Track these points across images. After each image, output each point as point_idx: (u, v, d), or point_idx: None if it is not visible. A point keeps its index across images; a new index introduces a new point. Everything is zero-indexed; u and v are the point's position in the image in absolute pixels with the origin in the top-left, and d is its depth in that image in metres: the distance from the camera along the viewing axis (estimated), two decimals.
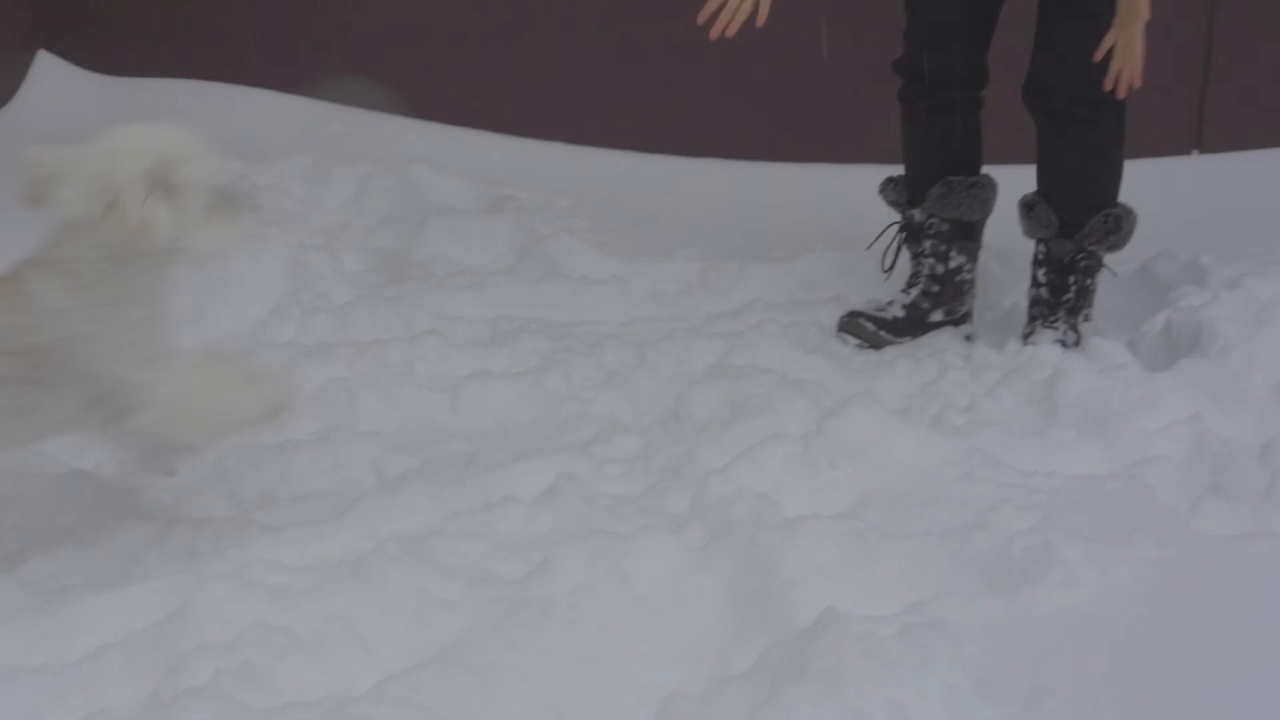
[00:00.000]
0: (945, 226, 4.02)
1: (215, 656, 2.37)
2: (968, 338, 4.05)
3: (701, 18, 3.59)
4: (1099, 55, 3.59)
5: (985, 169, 4.09)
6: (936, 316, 3.99)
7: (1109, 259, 4.05)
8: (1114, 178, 3.98)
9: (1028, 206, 4.00)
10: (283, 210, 4.74)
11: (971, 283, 4.10)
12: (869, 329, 4.01)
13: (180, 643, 2.43)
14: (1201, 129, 5.40)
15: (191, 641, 2.42)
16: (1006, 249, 4.30)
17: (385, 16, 5.66)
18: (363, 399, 3.46)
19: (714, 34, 3.55)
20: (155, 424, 2.72)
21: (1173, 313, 3.87)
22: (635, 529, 2.78)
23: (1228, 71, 5.37)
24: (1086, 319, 4.00)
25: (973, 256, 4.09)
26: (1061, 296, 3.98)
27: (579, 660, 2.46)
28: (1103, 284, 4.05)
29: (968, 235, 4.08)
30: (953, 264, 4.03)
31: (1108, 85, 3.60)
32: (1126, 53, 3.56)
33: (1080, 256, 3.96)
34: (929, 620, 2.42)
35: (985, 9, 3.97)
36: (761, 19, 3.62)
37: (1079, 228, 3.94)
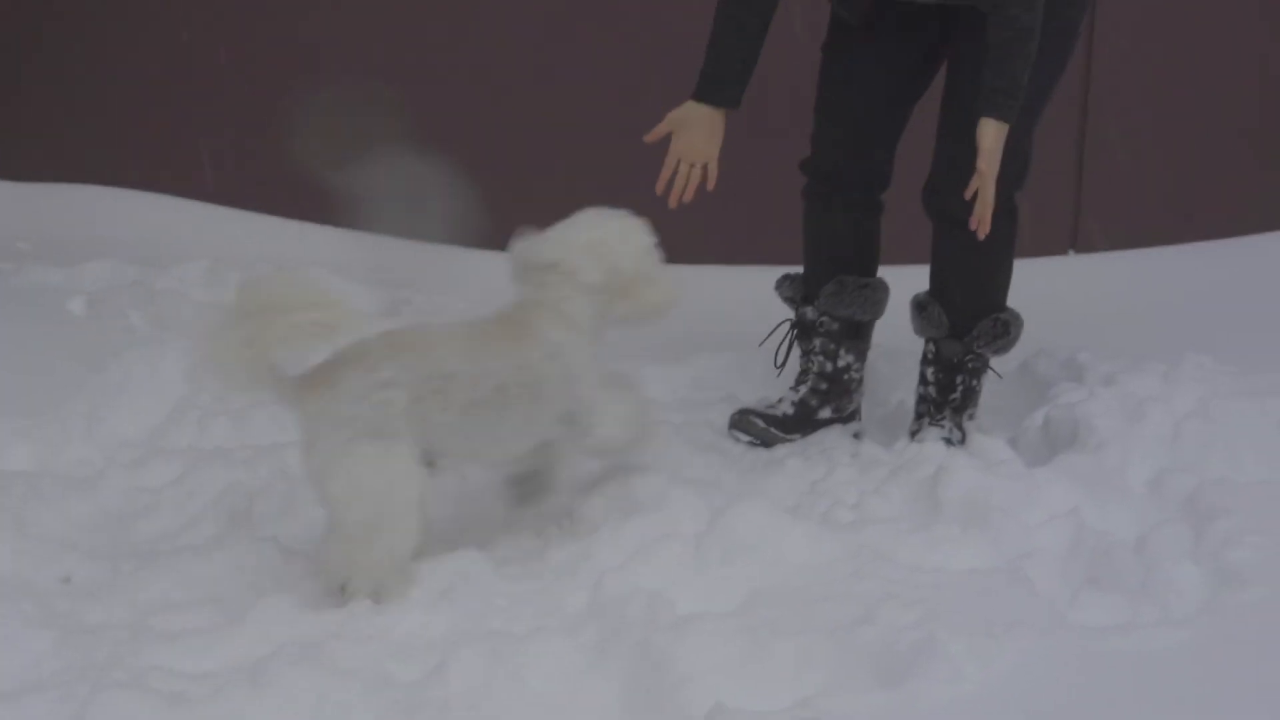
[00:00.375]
0: (836, 325, 4.08)
1: None
2: (856, 435, 4.10)
3: (659, 189, 3.80)
4: (967, 194, 3.70)
5: (882, 269, 4.16)
6: (825, 414, 4.05)
7: (995, 361, 4.12)
8: (1003, 282, 4.05)
9: (919, 306, 4.07)
10: (180, 313, 4.70)
11: (859, 381, 4.16)
12: (759, 426, 4.06)
13: None
14: (1077, 229, 5.53)
15: None
16: (894, 347, 4.37)
17: (280, 122, 5.68)
18: (260, 503, 3.44)
19: (672, 202, 3.78)
20: (608, 435, 3.38)
21: (1051, 409, 3.94)
22: (531, 629, 2.79)
23: (1100, 174, 5.52)
24: (971, 417, 4.06)
25: (861, 356, 4.15)
26: (949, 396, 4.05)
27: None
28: (986, 382, 4.12)
29: (858, 335, 4.14)
30: (841, 362, 4.09)
31: (971, 226, 3.70)
32: (983, 199, 3.67)
33: (968, 358, 4.03)
34: (817, 714, 2.44)
35: (896, 116, 4.05)
36: (711, 183, 3.81)
37: (968, 330, 4.01)
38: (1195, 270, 5.39)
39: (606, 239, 3.32)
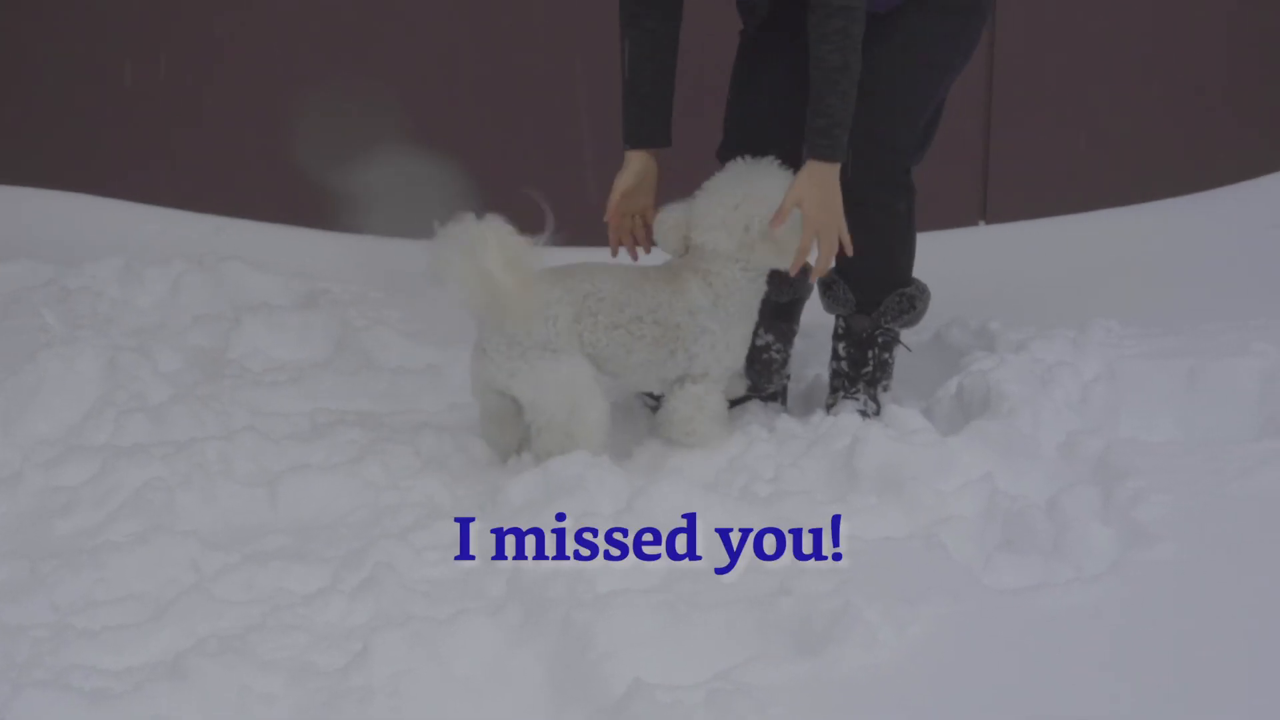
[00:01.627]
0: None
1: None
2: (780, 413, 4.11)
3: (613, 254, 3.93)
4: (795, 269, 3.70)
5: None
6: (740, 390, 4.05)
7: (905, 335, 4.14)
8: (907, 258, 4.05)
9: (826, 285, 4.07)
10: (95, 312, 4.67)
11: (783, 363, 4.15)
12: None
13: None
14: (986, 201, 5.56)
15: None
16: (809, 324, 4.37)
17: (197, 119, 5.64)
18: (180, 498, 3.40)
19: (632, 256, 3.94)
20: (703, 394, 3.73)
21: (964, 377, 3.95)
22: (453, 613, 2.78)
23: (1007, 146, 5.56)
24: (885, 389, 4.07)
25: (782, 337, 4.13)
26: (861, 370, 4.06)
27: None
28: (899, 353, 4.14)
29: (778, 316, 4.13)
30: (759, 341, 4.08)
31: (793, 272, 3.71)
32: (822, 252, 3.67)
33: (877, 333, 4.04)
34: (736, 686, 2.45)
35: (799, 109, 3.95)
36: (647, 245, 3.93)
37: (875, 305, 4.02)
38: (1101, 238, 5.45)
39: (747, 200, 3.68)
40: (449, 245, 3.46)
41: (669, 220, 3.76)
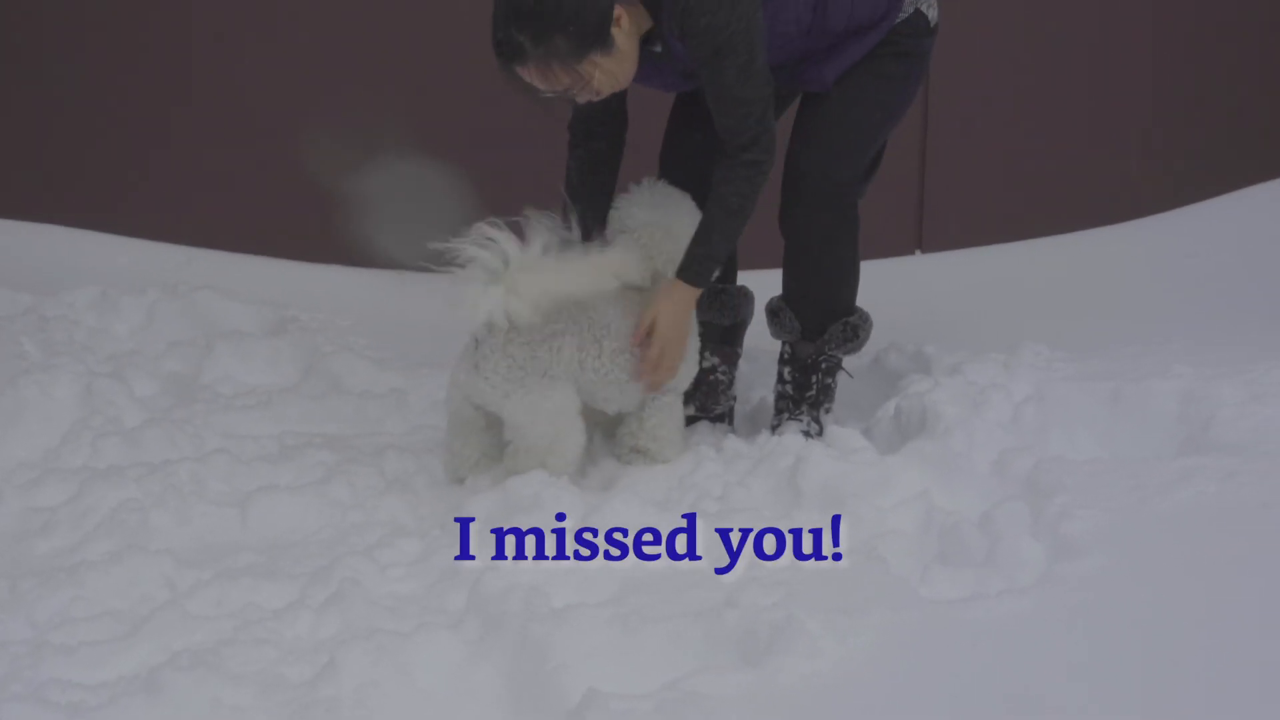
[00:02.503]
0: (699, 329, 4.09)
1: None
2: (727, 433, 4.11)
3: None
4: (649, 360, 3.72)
5: (756, 274, 4.17)
6: (688, 410, 4.05)
7: (847, 361, 4.15)
8: (850, 288, 4.06)
9: (773, 312, 4.08)
10: (72, 339, 4.64)
11: (728, 384, 4.16)
12: None
13: None
14: (922, 231, 5.59)
15: None
16: (756, 348, 4.39)
17: (167, 155, 5.62)
18: (154, 518, 3.39)
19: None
20: (672, 403, 3.80)
21: (902, 399, 3.97)
22: (416, 626, 2.77)
23: (941, 178, 5.59)
24: (828, 411, 4.09)
25: (727, 359, 4.14)
26: (805, 393, 4.07)
27: None
28: (841, 378, 4.15)
29: (723, 340, 4.14)
30: (705, 364, 4.08)
31: (645, 390, 3.76)
32: (665, 364, 3.72)
33: (821, 359, 4.05)
34: (685, 695, 2.45)
35: None
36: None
37: (820, 333, 4.03)
38: (1031, 265, 5.48)
39: (684, 237, 3.71)
40: (474, 273, 3.44)
41: (633, 257, 3.70)
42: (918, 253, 5.58)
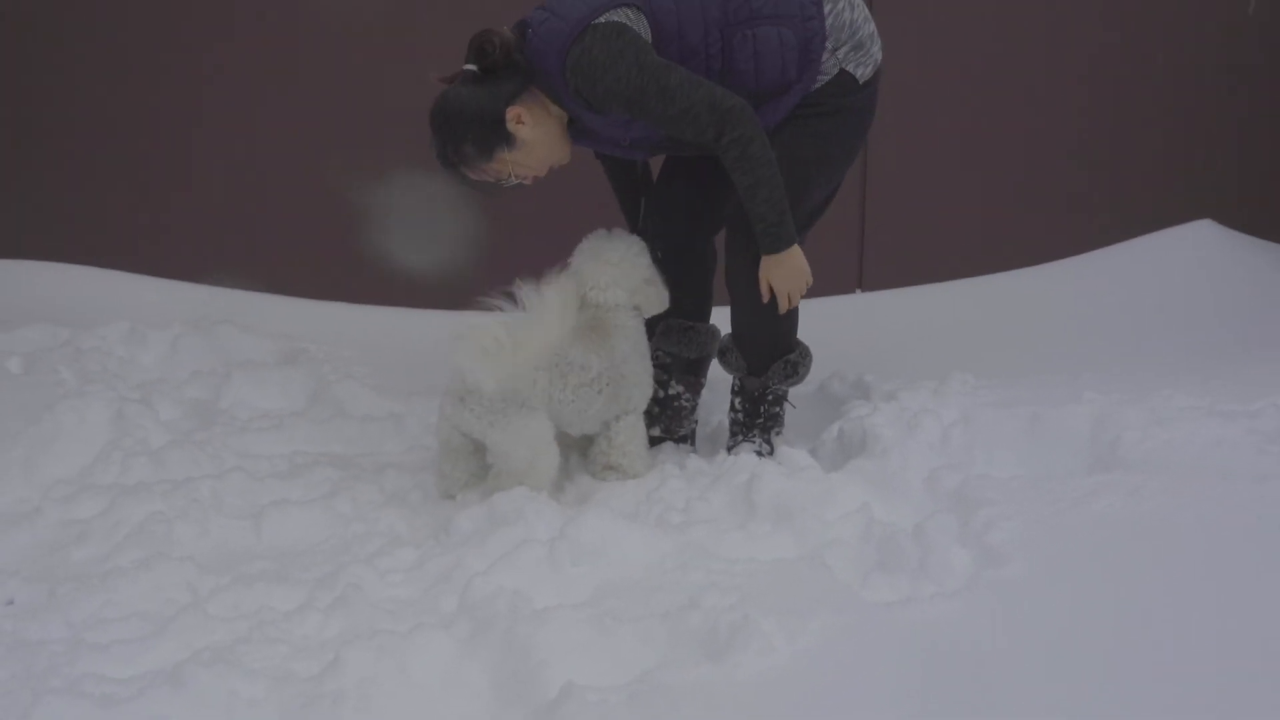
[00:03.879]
0: (668, 359, 4.10)
1: None
2: (690, 453, 4.12)
3: None
4: (783, 310, 3.82)
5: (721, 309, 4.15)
6: (654, 431, 4.05)
7: (793, 391, 4.15)
8: (790, 330, 4.04)
9: (722, 351, 4.08)
10: (105, 369, 4.63)
11: (691, 410, 4.16)
12: None
13: None
14: (862, 271, 5.61)
15: None
16: (717, 377, 4.40)
17: (191, 203, 5.62)
18: (178, 529, 3.39)
19: None
20: (635, 422, 3.84)
21: (844, 422, 3.98)
22: (412, 627, 2.77)
23: (880, 224, 5.60)
24: (778, 434, 4.09)
25: (692, 388, 4.15)
26: (755, 420, 4.08)
27: None
28: (788, 409, 4.15)
29: (689, 370, 4.15)
30: (671, 391, 4.09)
31: (783, 308, 3.80)
32: (791, 303, 3.78)
33: (767, 392, 4.06)
34: (653, 687, 2.45)
35: (713, 209, 4.03)
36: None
37: (764, 369, 4.02)
38: (960, 303, 5.49)
39: (622, 260, 3.81)
40: (466, 346, 3.44)
41: (564, 291, 3.66)
42: (858, 291, 5.60)
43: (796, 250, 3.72)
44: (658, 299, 3.88)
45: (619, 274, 3.81)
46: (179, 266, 5.58)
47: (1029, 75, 5.61)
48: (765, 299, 3.78)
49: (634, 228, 4.08)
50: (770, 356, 4.02)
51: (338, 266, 5.55)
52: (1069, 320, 5.29)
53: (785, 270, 3.73)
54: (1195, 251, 5.57)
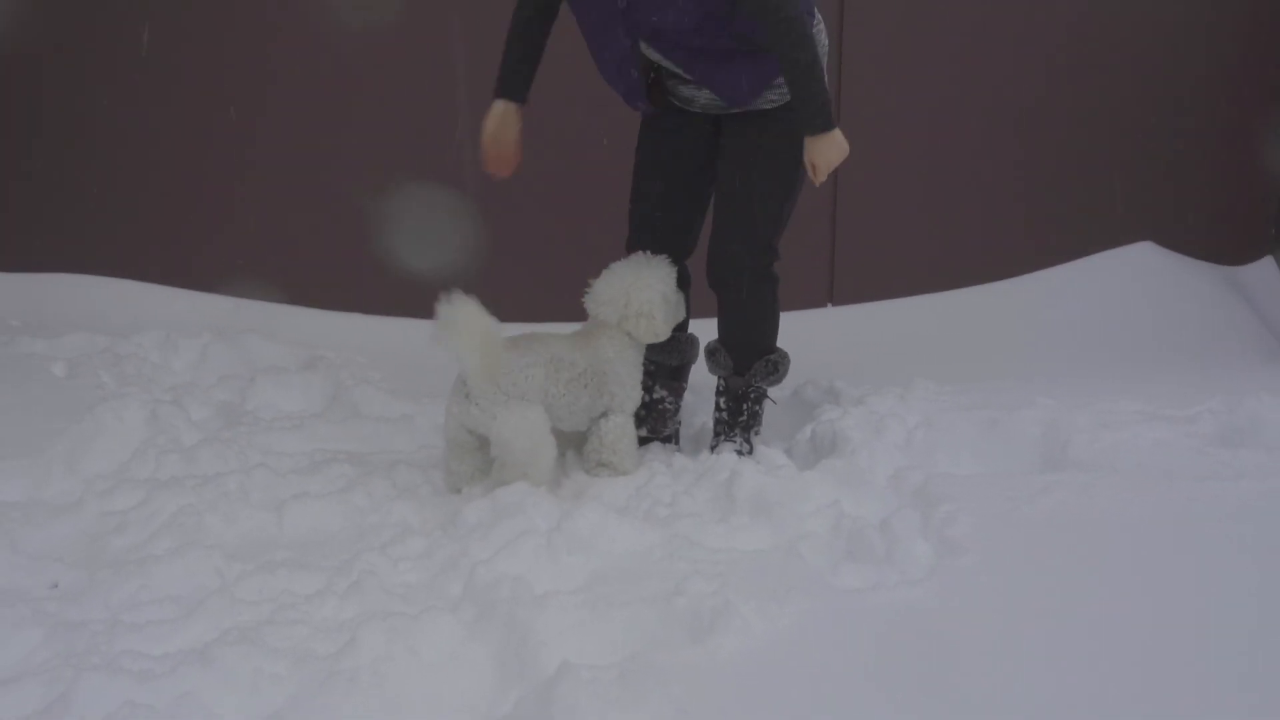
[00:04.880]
0: (652, 367, 4.10)
1: None
2: (675, 452, 4.12)
3: (486, 168, 3.92)
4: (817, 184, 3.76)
5: (701, 321, 4.15)
6: (642, 432, 4.05)
7: (774, 390, 4.16)
8: (772, 332, 4.06)
9: (710, 352, 4.09)
10: (140, 373, 4.63)
11: (674, 412, 4.16)
12: None
13: None
14: (833, 287, 5.61)
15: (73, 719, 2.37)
16: (699, 382, 4.41)
17: (220, 222, 5.62)
18: (207, 520, 3.39)
19: (490, 169, 3.91)
20: (624, 423, 3.81)
21: (816, 425, 3.99)
22: (422, 610, 2.78)
23: (850, 244, 5.61)
24: (757, 433, 4.10)
25: (675, 392, 4.15)
26: (737, 419, 4.08)
27: (381, 716, 2.44)
28: (767, 407, 4.16)
29: (672, 376, 4.15)
30: (656, 395, 4.10)
31: (817, 182, 3.74)
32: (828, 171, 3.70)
33: (750, 390, 4.07)
34: (642, 665, 2.46)
35: (694, 202, 4.01)
36: (512, 164, 3.93)
37: (748, 369, 4.04)
38: (923, 316, 5.48)
39: (627, 288, 3.77)
40: (442, 327, 3.46)
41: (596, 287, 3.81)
42: (829, 305, 5.59)
43: (837, 129, 3.66)
44: (648, 330, 3.79)
45: (615, 295, 3.78)
46: (208, 280, 5.58)
47: (984, 106, 5.61)
48: (815, 179, 3.70)
49: (516, 88, 3.92)
50: (753, 356, 4.03)
51: (354, 280, 5.54)
52: (1022, 333, 5.29)
53: (832, 145, 3.62)
54: (1137, 271, 5.58)
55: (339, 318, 5.50)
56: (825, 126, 3.60)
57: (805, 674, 2.49)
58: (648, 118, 4.03)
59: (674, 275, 3.85)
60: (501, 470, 3.61)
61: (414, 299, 5.39)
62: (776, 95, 3.81)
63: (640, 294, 3.76)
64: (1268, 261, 5.86)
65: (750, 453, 3.97)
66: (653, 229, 4.01)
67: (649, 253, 3.86)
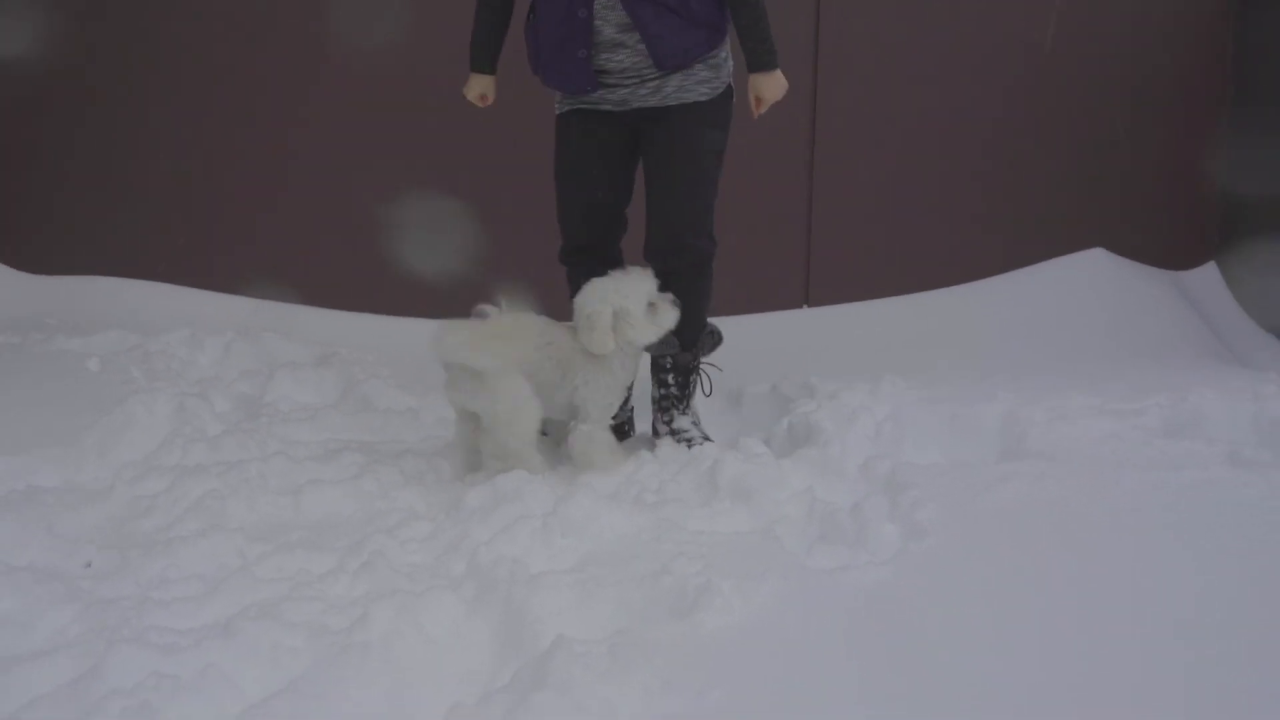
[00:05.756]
0: None
1: (121, 699, 2.29)
2: (635, 436, 4.12)
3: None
4: (756, 116, 3.92)
5: None
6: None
7: (751, 387, 4.14)
8: (706, 309, 4.06)
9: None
10: (169, 368, 4.63)
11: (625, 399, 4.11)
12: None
13: (94, 690, 2.35)
14: (809, 289, 5.62)
15: (103, 689, 2.35)
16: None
17: (242, 229, 5.62)
18: (230, 504, 3.39)
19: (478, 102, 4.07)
20: (589, 432, 3.72)
21: (792, 418, 3.99)
22: (427, 588, 2.78)
23: (824, 247, 5.61)
24: (707, 394, 4.15)
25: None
26: (685, 391, 4.08)
27: (390, 686, 2.43)
28: (745, 398, 4.14)
29: None
30: None
31: (756, 114, 3.91)
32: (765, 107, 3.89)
33: (695, 362, 4.07)
34: (630, 641, 2.47)
35: (618, 189, 3.98)
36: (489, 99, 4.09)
37: (693, 344, 4.04)
38: (892, 316, 5.50)
39: (613, 293, 3.69)
40: (441, 345, 3.50)
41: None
42: (805, 306, 5.61)
43: (779, 70, 3.87)
44: (588, 341, 3.68)
45: (582, 302, 3.71)
46: (231, 283, 5.58)
47: (948, 122, 5.62)
48: (756, 112, 3.92)
49: (488, 62, 4.05)
50: (696, 332, 4.02)
51: (365, 283, 5.55)
52: (984, 333, 5.30)
53: (776, 82, 3.87)
54: (1090, 275, 5.59)
55: (351, 317, 5.51)
56: (772, 64, 3.84)
57: (781, 647, 2.50)
58: (565, 122, 3.99)
59: (652, 281, 3.76)
60: (487, 434, 3.61)
61: (424, 300, 5.42)
62: (695, 83, 3.83)
63: (594, 308, 3.67)
64: (1210, 267, 5.88)
65: (697, 423, 4.01)
66: (583, 229, 3.99)
67: (625, 270, 3.80)
